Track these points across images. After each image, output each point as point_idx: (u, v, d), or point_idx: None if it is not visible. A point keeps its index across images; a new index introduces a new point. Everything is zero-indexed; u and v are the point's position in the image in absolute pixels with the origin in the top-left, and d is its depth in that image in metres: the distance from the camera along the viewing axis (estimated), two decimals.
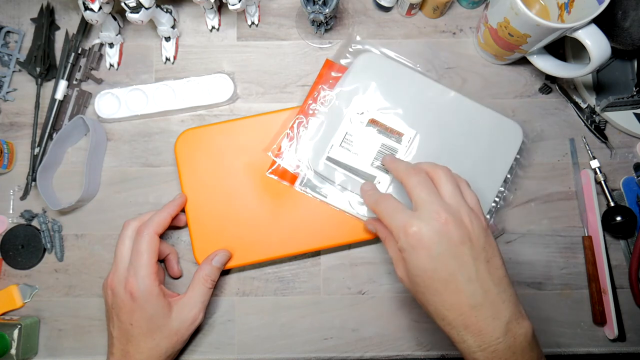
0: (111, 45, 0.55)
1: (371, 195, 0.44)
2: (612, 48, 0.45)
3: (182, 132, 0.52)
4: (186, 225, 0.52)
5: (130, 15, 0.48)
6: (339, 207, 0.51)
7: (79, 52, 0.55)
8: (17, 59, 0.56)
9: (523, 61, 0.54)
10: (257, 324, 0.53)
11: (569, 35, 0.45)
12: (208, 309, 0.51)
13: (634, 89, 0.55)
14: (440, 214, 0.38)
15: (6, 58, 0.56)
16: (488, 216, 0.52)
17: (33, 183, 0.54)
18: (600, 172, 0.53)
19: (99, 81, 0.55)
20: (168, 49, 0.55)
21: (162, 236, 0.49)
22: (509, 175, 0.52)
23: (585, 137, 0.55)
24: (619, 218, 0.52)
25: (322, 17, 0.50)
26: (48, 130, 0.54)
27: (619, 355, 0.52)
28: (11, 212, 0.54)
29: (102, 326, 0.52)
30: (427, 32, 0.56)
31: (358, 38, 0.55)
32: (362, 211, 0.50)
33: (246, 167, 0.52)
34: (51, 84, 0.55)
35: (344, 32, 0.56)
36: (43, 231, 0.53)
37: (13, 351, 0.50)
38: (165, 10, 0.53)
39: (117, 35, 0.55)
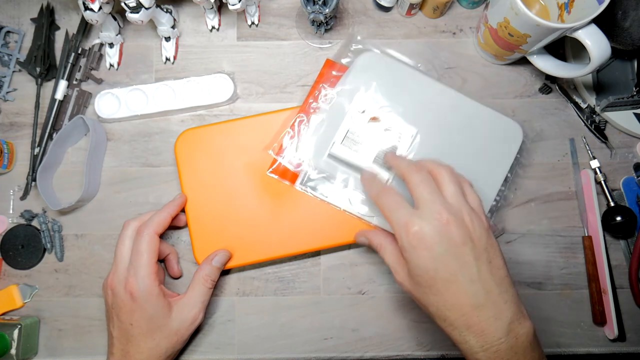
0: (111, 45, 0.55)
1: (373, 186, 0.44)
2: (612, 48, 0.45)
3: (182, 132, 0.52)
4: (186, 225, 0.52)
5: (130, 15, 0.48)
6: (339, 206, 0.50)
7: (79, 52, 0.55)
8: (17, 59, 0.56)
9: (523, 61, 0.54)
10: (257, 324, 0.53)
11: (569, 35, 0.45)
12: (208, 309, 0.51)
13: (634, 89, 0.55)
14: (441, 213, 0.38)
15: (6, 58, 0.56)
16: (489, 214, 0.51)
17: (33, 183, 0.54)
18: (600, 172, 0.53)
19: (99, 81, 0.55)
20: (168, 49, 0.55)
21: (162, 236, 0.49)
22: (509, 175, 0.52)
23: (585, 137, 0.55)
24: (619, 218, 0.52)
25: (322, 17, 0.50)
26: (48, 130, 0.54)
27: (619, 355, 0.52)
28: (11, 212, 0.54)
29: (102, 326, 0.52)
30: (427, 32, 0.56)
31: (359, 37, 0.55)
32: (363, 210, 0.50)
33: (246, 167, 0.52)
34: (51, 84, 0.55)
35: (344, 32, 0.56)
36: (43, 231, 0.53)
37: (13, 351, 0.50)
38: (165, 10, 0.53)
39: (117, 35, 0.55)
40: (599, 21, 0.44)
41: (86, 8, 0.48)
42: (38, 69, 0.54)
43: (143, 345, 0.45)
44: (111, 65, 0.56)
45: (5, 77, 0.55)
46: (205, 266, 0.49)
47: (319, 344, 0.53)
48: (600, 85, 0.55)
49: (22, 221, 0.54)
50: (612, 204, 0.53)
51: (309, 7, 0.49)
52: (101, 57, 0.56)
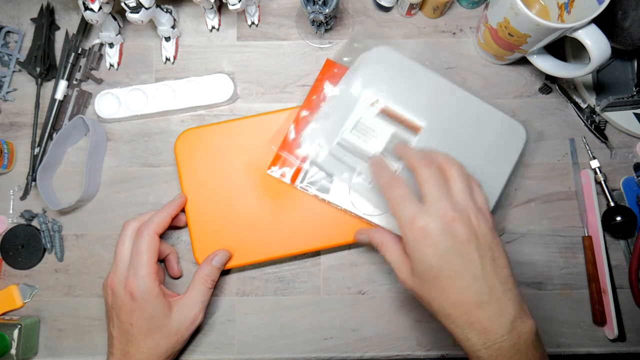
0: (111, 45, 0.55)
1: (382, 173, 0.44)
2: (612, 48, 0.45)
3: (182, 132, 0.52)
4: (186, 225, 0.52)
5: (130, 15, 0.48)
6: (340, 205, 0.50)
7: (79, 52, 0.55)
8: (17, 59, 0.56)
9: (523, 61, 0.54)
10: (257, 324, 0.53)
11: (569, 35, 0.45)
12: (208, 309, 0.51)
13: (634, 89, 0.55)
14: (448, 211, 0.38)
15: (6, 58, 0.56)
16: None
17: (33, 183, 0.54)
18: (600, 172, 0.53)
19: (99, 81, 0.56)
20: (168, 49, 0.55)
21: (162, 236, 0.49)
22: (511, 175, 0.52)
23: (585, 137, 0.55)
24: (619, 218, 0.52)
25: (322, 17, 0.50)
26: (48, 130, 0.54)
27: (619, 355, 0.52)
28: (11, 212, 0.54)
29: (102, 326, 0.52)
30: (427, 32, 0.56)
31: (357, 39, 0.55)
32: (363, 210, 0.50)
33: (246, 167, 0.52)
34: (51, 84, 0.55)
35: (344, 32, 0.56)
36: (43, 231, 0.53)
37: (13, 351, 0.50)
38: (165, 10, 0.53)
39: (117, 35, 0.55)
40: (599, 21, 0.44)
41: (86, 8, 0.48)
42: (38, 69, 0.54)
43: (143, 345, 0.45)
44: (111, 65, 0.56)
45: (5, 77, 0.55)
46: (205, 266, 0.49)
47: (319, 344, 0.53)
48: (600, 85, 0.55)
49: (22, 221, 0.54)
50: (612, 204, 0.53)
51: (309, 7, 0.49)
52: (101, 57, 0.56)
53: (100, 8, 0.48)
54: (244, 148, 0.52)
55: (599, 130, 0.55)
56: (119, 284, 0.46)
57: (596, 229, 0.52)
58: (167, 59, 0.56)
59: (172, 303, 0.47)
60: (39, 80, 0.55)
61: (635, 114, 0.55)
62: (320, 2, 0.49)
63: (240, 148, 0.52)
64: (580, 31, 0.44)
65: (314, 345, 0.53)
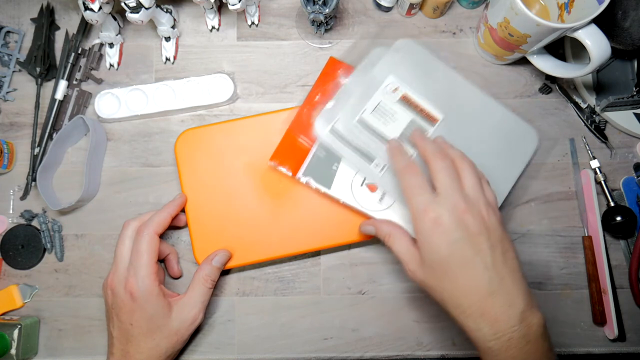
0: (111, 45, 0.55)
1: (400, 158, 0.45)
2: (612, 48, 0.45)
3: (182, 132, 0.52)
4: (186, 225, 0.52)
5: (130, 15, 0.48)
6: (341, 199, 0.50)
7: (79, 52, 0.55)
8: (17, 59, 0.56)
9: (523, 61, 0.54)
10: (257, 324, 0.53)
11: (569, 35, 0.45)
12: (208, 309, 0.51)
13: (634, 89, 0.55)
14: (460, 202, 0.39)
15: (6, 58, 0.56)
16: None
17: (33, 183, 0.54)
18: (600, 172, 0.53)
19: (99, 81, 0.56)
20: (168, 49, 0.55)
21: (162, 236, 0.49)
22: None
23: (585, 137, 0.55)
24: (619, 218, 0.52)
25: (322, 17, 0.50)
26: (48, 130, 0.54)
27: (619, 355, 0.52)
28: (11, 212, 0.54)
29: (102, 326, 0.52)
30: (427, 32, 0.56)
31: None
32: (365, 204, 0.50)
33: (246, 167, 0.52)
34: (51, 84, 0.55)
35: (344, 32, 0.56)
36: (43, 231, 0.53)
37: (13, 351, 0.50)
38: (165, 10, 0.53)
39: (117, 35, 0.55)
40: (599, 21, 0.44)
41: (86, 8, 0.48)
42: (38, 69, 0.54)
43: (143, 345, 0.45)
44: (111, 65, 0.56)
45: (5, 77, 0.55)
46: (205, 266, 0.49)
47: (319, 344, 0.53)
48: (600, 85, 0.55)
49: (22, 221, 0.54)
50: (612, 204, 0.53)
51: (309, 7, 0.49)
52: (101, 57, 0.56)
53: (100, 8, 0.48)
54: (244, 148, 0.52)
55: (599, 130, 0.55)
56: (119, 284, 0.46)
57: (596, 229, 0.52)
58: (167, 59, 0.56)
59: (172, 303, 0.47)
60: (39, 80, 0.55)
61: (635, 114, 0.55)
62: (320, 2, 0.49)
63: (240, 148, 0.52)
64: (580, 31, 0.44)
65: (314, 345, 0.53)
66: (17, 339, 0.50)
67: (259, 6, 0.56)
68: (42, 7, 0.56)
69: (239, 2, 0.50)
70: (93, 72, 0.56)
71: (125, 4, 0.47)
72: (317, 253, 0.53)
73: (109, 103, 0.54)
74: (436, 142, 0.46)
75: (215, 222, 0.51)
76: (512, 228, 0.54)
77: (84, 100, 0.55)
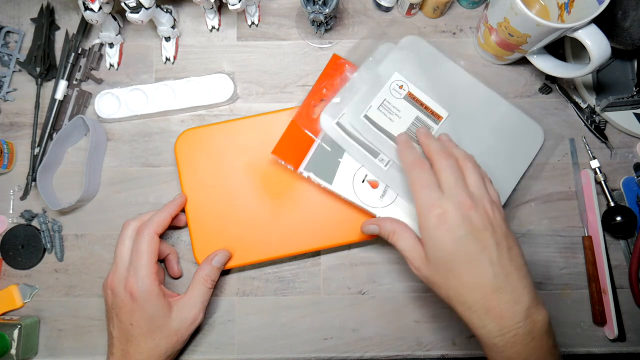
0: (111, 45, 0.55)
1: (409, 153, 0.45)
2: (612, 48, 0.45)
3: (182, 132, 0.52)
4: (186, 225, 0.52)
5: (130, 15, 0.48)
6: (343, 195, 0.50)
7: (79, 52, 0.55)
8: (17, 59, 0.56)
9: (523, 61, 0.54)
10: (257, 324, 0.53)
11: (569, 35, 0.45)
12: (208, 309, 0.51)
13: (634, 89, 0.55)
14: (465, 199, 0.39)
15: (6, 58, 0.56)
16: None
17: (33, 183, 0.54)
18: (600, 172, 0.53)
19: (99, 81, 0.56)
20: (168, 49, 0.55)
21: (162, 236, 0.49)
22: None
23: (585, 137, 0.55)
24: (619, 218, 0.52)
25: (322, 17, 0.50)
26: (48, 130, 0.54)
27: (619, 355, 0.52)
28: (11, 212, 0.54)
29: (102, 326, 0.52)
30: (427, 32, 0.56)
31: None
32: (366, 200, 0.50)
33: (246, 167, 0.52)
34: (51, 84, 0.55)
35: (344, 32, 0.56)
36: (43, 231, 0.53)
37: (13, 351, 0.50)
38: (165, 10, 0.53)
39: (117, 35, 0.55)
40: (599, 21, 0.44)
41: (86, 8, 0.48)
42: (38, 69, 0.54)
43: (143, 345, 0.45)
44: (111, 65, 0.56)
45: (5, 77, 0.55)
46: (205, 266, 0.49)
47: (319, 344, 0.53)
48: (600, 85, 0.55)
49: (22, 221, 0.54)
50: (612, 204, 0.53)
51: (309, 7, 0.49)
52: (101, 57, 0.56)
53: (100, 8, 0.48)
54: (244, 148, 0.52)
55: (599, 130, 0.55)
56: (118, 284, 0.46)
57: (596, 229, 0.52)
58: (167, 59, 0.56)
59: (172, 303, 0.47)
60: (39, 80, 0.55)
61: (635, 114, 0.55)
62: (320, 2, 0.49)
63: (240, 148, 0.52)
64: (580, 31, 0.44)
65: (314, 345, 0.53)
66: (17, 339, 0.50)
67: (259, 6, 0.56)
68: (42, 7, 0.56)
69: (239, 2, 0.50)
70: (93, 72, 0.56)
71: (125, 4, 0.47)
72: (317, 253, 0.53)
73: (109, 103, 0.54)
74: (440, 140, 0.46)
75: (215, 222, 0.51)
76: (513, 228, 0.54)
77: (84, 100, 0.55)
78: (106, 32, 0.54)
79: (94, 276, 0.53)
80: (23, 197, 0.54)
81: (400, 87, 0.51)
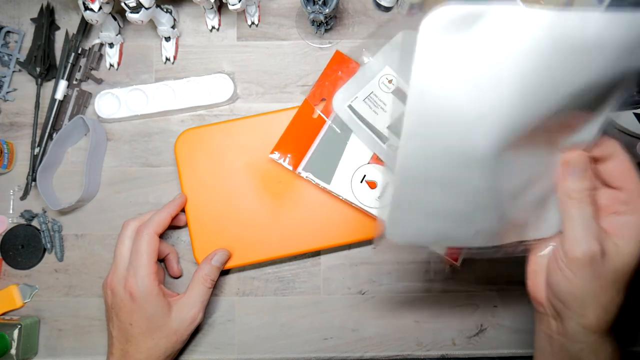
0: (111, 45, 0.55)
1: (577, 183, 0.35)
2: None
3: (182, 132, 0.52)
4: (186, 225, 0.52)
5: (130, 15, 0.48)
6: (341, 195, 0.50)
7: (79, 52, 0.55)
8: (17, 59, 0.56)
9: None
10: (257, 324, 0.53)
11: None
12: (208, 309, 0.51)
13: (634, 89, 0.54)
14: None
15: (6, 58, 0.56)
16: None
17: (33, 183, 0.54)
18: None
19: (99, 81, 0.56)
20: (168, 49, 0.55)
21: (162, 236, 0.49)
22: None
23: None
24: None
25: (322, 17, 0.50)
26: (48, 130, 0.54)
27: (630, 355, 0.52)
28: (11, 212, 0.54)
29: (102, 326, 0.52)
30: None
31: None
32: (364, 200, 0.50)
33: (246, 167, 0.52)
34: (51, 84, 0.55)
35: (344, 32, 0.56)
36: (43, 231, 0.53)
37: (13, 351, 0.50)
38: (165, 10, 0.53)
39: (117, 35, 0.55)
40: None
41: (86, 8, 0.48)
42: (38, 69, 0.54)
43: (142, 345, 0.45)
44: (111, 65, 0.56)
45: (5, 77, 0.55)
46: (205, 266, 0.49)
47: (319, 344, 0.53)
48: None
49: (22, 221, 0.54)
50: None
51: (309, 7, 0.49)
52: (101, 57, 0.56)
53: (100, 8, 0.48)
54: (244, 148, 0.52)
55: None
56: (118, 283, 0.46)
57: None
58: (167, 59, 0.56)
59: (171, 303, 0.47)
60: (39, 80, 0.55)
61: (635, 114, 0.55)
62: (320, 2, 0.49)
63: (240, 148, 0.52)
64: None
65: (314, 345, 0.53)
66: (17, 339, 0.50)
67: (259, 6, 0.56)
68: (42, 7, 0.56)
69: (239, 2, 0.50)
70: (93, 72, 0.56)
71: (125, 4, 0.47)
72: (317, 253, 0.53)
73: (109, 103, 0.54)
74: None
75: (215, 222, 0.51)
76: None
77: (84, 100, 0.55)
78: (106, 32, 0.54)
79: (94, 276, 0.53)
80: (23, 197, 0.54)
81: (391, 80, 0.51)
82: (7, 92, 0.55)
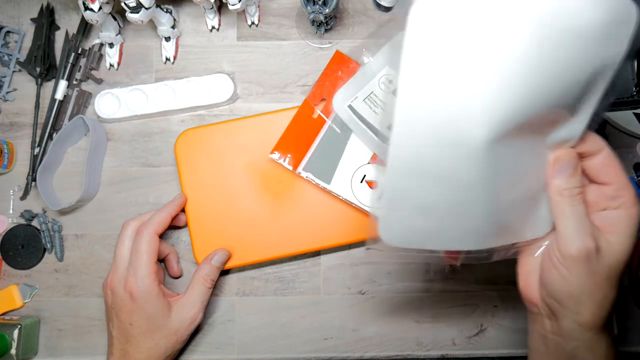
0: (111, 45, 0.55)
1: (566, 179, 0.35)
2: None
3: (182, 132, 0.52)
4: (186, 225, 0.52)
5: (130, 15, 0.48)
6: (341, 195, 0.50)
7: (79, 52, 0.55)
8: (17, 59, 0.56)
9: None
10: (257, 324, 0.53)
11: None
12: (208, 309, 0.51)
13: (634, 89, 0.54)
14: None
15: (6, 58, 0.56)
16: None
17: (33, 183, 0.54)
18: None
19: (99, 81, 0.56)
20: (168, 49, 0.55)
21: (162, 236, 0.49)
22: None
23: None
24: None
25: (322, 17, 0.50)
26: (48, 130, 0.54)
27: (619, 355, 0.52)
28: (11, 212, 0.54)
29: (102, 326, 0.52)
30: None
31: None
32: (363, 200, 0.50)
33: (246, 167, 0.52)
34: (51, 84, 0.55)
35: (344, 32, 0.56)
36: (43, 231, 0.53)
37: (13, 351, 0.50)
38: (165, 10, 0.53)
39: (117, 35, 0.55)
40: None
41: (86, 8, 0.48)
42: (38, 69, 0.54)
43: (142, 345, 0.45)
44: (111, 65, 0.56)
45: (5, 77, 0.55)
46: (205, 266, 0.49)
47: (319, 344, 0.53)
48: None
49: (22, 221, 0.54)
50: None
51: (309, 7, 0.49)
52: (101, 57, 0.56)
53: (100, 8, 0.48)
54: (244, 148, 0.52)
55: (599, 130, 0.55)
56: (118, 283, 0.46)
57: None
58: (167, 59, 0.56)
59: (171, 303, 0.47)
60: (39, 80, 0.55)
61: (635, 114, 0.55)
62: (320, 2, 0.49)
63: (240, 148, 0.52)
64: None
65: (314, 345, 0.53)
66: (17, 339, 0.50)
67: (259, 6, 0.56)
68: (42, 7, 0.56)
69: (239, 2, 0.50)
70: (93, 72, 0.56)
71: (125, 4, 0.47)
72: (317, 253, 0.53)
73: (109, 103, 0.54)
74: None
75: (215, 222, 0.51)
76: None
77: (84, 100, 0.55)
78: (106, 32, 0.54)
79: (94, 276, 0.53)
80: (23, 197, 0.54)
81: (391, 81, 0.51)
82: (7, 92, 0.55)
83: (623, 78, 0.56)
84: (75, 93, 0.55)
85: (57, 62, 0.55)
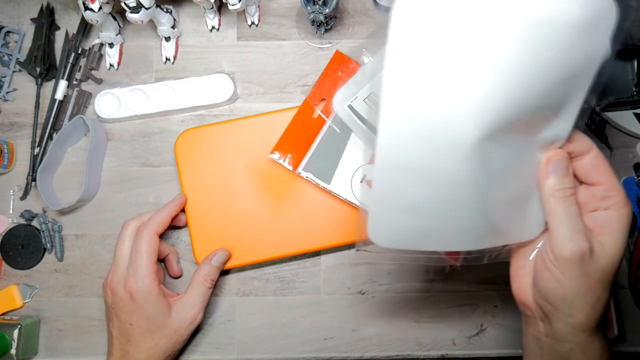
0: (111, 45, 0.55)
1: (559, 180, 0.35)
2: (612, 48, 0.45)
3: (182, 132, 0.52)
4: (186, 225, 0.52)
5: (130, 15, 0.48)
6: (341, 195, 0.50)
7: (79, 52, 0.55)
8: (17, 59, 0.56)
9: None
10: (257, 324, 0.53)
11: None
12: (208, 309, 0.51)
13: (634, 89, 0.54)
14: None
15: (6, 58, 0.56)
16: None
17: (33, 183, 0.54)
18: None
19: (99, 81, 0.56)
20: (168, 49, 0.55)
21: (162, 236, 0.49)
22: None
23: None
24: None
25: (322, 17, 0.50)
26: (48, 130, 0.54)
27: (619, 355, 0.52)
28: (11, 212, 0.54)
29: (102, 326, 0.52)
30: None
31: None
32: (364, 200, 0.50)
33: (246, 167, 0.52)
34: (51, 84, 0.55)
35: (344, 32, 0.56)
36: (43, 231, 0.53)
37: (13, 351, 0.50)
38: (165, 10, 0.53)
39: (117, 35, 0.55)
40: None
41: (86, 8, 0.48)
42: (38, 69, 0.54)
43: (142, 345, 0.45)
44: (111, 65, 0.56)
45: (5, 77, 0.55)
46: (205, 266, 0.49)
47: (319, 344, 0.53)
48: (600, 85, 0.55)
49: (22, 221, 0.54)
50: None
51: (309, 7, 0.49)
52: (101, 57, 0.56)
53: (100, 8, 0.48)
54: (244, 148, 0.52)
55: (599, 130, 0.55)
56: (118, 283, 0.46)
57: None
58: (167, 59, 0.56)
59: (171, 303, 0.47)
60: (39, 80, 0.55)
61: (635, 114, 0.55)
62: (320, 2, 0.49)
63: (240, 148, 0.52)
64: None
65: (314, 345, 0.53)
66: (17, 339, 0.50)
67: (259, 6, 0.56)
68: (42, 7, 0.56)
69: (239, 2, 0.50)
70: (93, 72, 0.56)
71: (125, 4, 0.47)
72: (317, 253, 0.53)
73: (109, 103, 0.54)
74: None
75: (215, 222, 0.51)
76: None
77: (84, 100, 0.55)
78: (106, 32, 0.54)
79: (94, 276, 0.53)
80: (23, 197, 0.54)
81: None
82: (7, 92, 0.55)
83: (623, 78, 0.56)
84: (75, 93, 0.55)
85: (57, 62, 0.55)
